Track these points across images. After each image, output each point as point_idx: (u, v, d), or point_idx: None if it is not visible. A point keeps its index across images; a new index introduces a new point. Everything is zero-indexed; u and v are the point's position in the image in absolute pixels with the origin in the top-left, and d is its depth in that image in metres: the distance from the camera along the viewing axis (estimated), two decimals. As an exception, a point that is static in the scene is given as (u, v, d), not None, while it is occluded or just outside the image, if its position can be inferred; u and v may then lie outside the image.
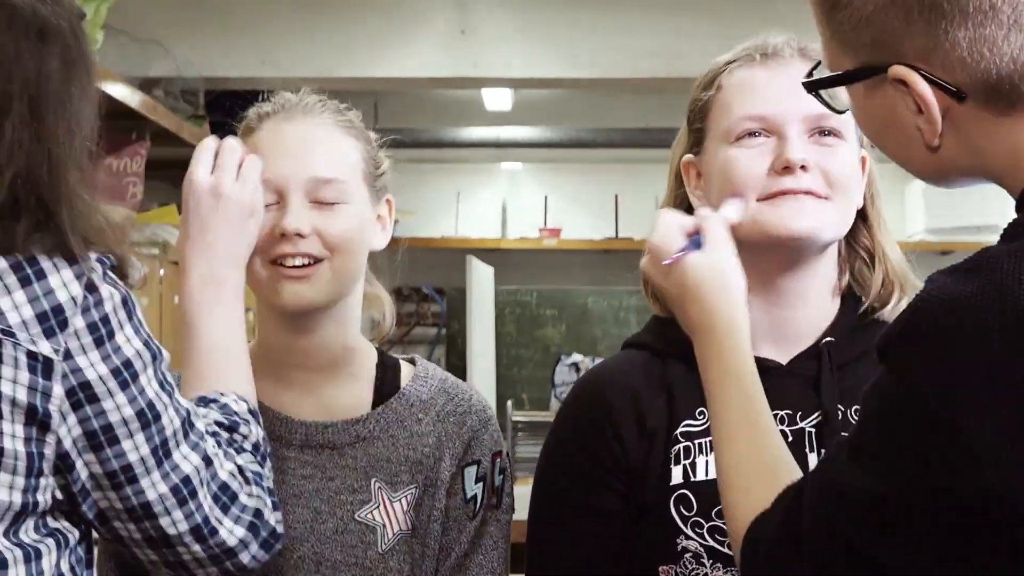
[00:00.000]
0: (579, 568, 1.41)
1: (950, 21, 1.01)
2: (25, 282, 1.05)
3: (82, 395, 1.06)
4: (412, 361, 1.56)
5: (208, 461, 1.14)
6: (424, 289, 6.24)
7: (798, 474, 1.13)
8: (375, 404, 1.49)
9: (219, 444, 1.17)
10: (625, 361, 1.49)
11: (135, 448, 1.09)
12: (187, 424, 1.14)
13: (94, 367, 1.07)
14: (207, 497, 1.14)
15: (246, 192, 1.37)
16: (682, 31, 4.44)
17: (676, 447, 1.39)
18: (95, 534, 1.18)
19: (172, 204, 4.14)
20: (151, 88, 3.92)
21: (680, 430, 1.40)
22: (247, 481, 1.18)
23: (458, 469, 1.47)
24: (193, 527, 1.13)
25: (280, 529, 1.20)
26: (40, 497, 1.07)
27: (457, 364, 5.82)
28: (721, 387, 1.21)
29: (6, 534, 1.06)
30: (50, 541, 1.09)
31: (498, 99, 5.76)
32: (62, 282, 1.06)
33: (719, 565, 1.34)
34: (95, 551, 1.19)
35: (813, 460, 1.37)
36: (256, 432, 1.24)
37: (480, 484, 1.48)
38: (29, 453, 1.05)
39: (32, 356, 1.04)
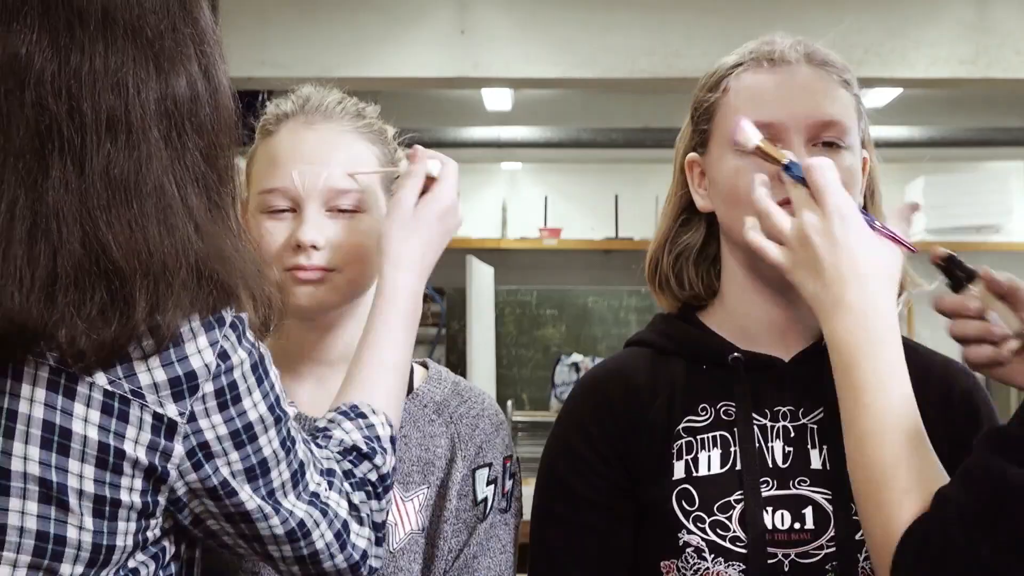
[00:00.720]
0: (582, 562, 1.42)
1: None
2: (162, 347, 1.05)
3: (200, 455, 1.07)
4: (424, 365, 1.56)
5: (320, 507, 1.16)
6: (424, 289, 6.24)
7: (947, 478, 1.13)
8: None
9: (331, 485, 1.18)
10: (628, 358, 1.50)
11: (250, 498, 1.10)
12: (299, 475, 1.14)
13: (215, 428, 1.07)
14: (323, 536, 1.15)
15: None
16: (682, 31, 4.44)
17: (678, 442, 1.40)
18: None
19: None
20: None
21: (682, 425, 1.40)
22: (360, 521, 1.19)
23: (469, 471, 1.47)
24: (298, 557, 1.15)
25: (377, 564, 1.21)
26: (151, 533, 1.09)
27: (457, 364, 5.83)
28: (883, 378, 1.20)
29: (117, 571, 1.08)
30: (152, 564, 1.11)
31: (498, 99, 5.76)
32: (197, 349, 1.06)
33: (720, 559, 1.34)
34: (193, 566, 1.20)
35: (815, 456, 1.37)
36: (390, 463, 1.24)
37: (491, 487, 1.48)
38: (144, 502, 1.07)
39: (157, 418, 1.04)
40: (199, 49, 1.12)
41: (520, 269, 6.56)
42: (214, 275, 1.06)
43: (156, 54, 1.08)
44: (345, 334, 1.48)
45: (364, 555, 1.18)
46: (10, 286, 0.99)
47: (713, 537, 1.35)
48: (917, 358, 1.46)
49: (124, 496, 1.05)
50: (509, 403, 5.47)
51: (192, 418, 1.06)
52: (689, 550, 1.35)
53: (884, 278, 1.25)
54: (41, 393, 1.02)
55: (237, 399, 1.08)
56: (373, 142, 1.48)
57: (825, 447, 1.37)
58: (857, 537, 1.34)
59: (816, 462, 1.37)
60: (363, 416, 1.25)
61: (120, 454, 1.04)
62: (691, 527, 1.36)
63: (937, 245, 1.28)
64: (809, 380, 1.40)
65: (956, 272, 1.28)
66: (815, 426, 1.39)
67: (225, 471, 1.09)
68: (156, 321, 1.02)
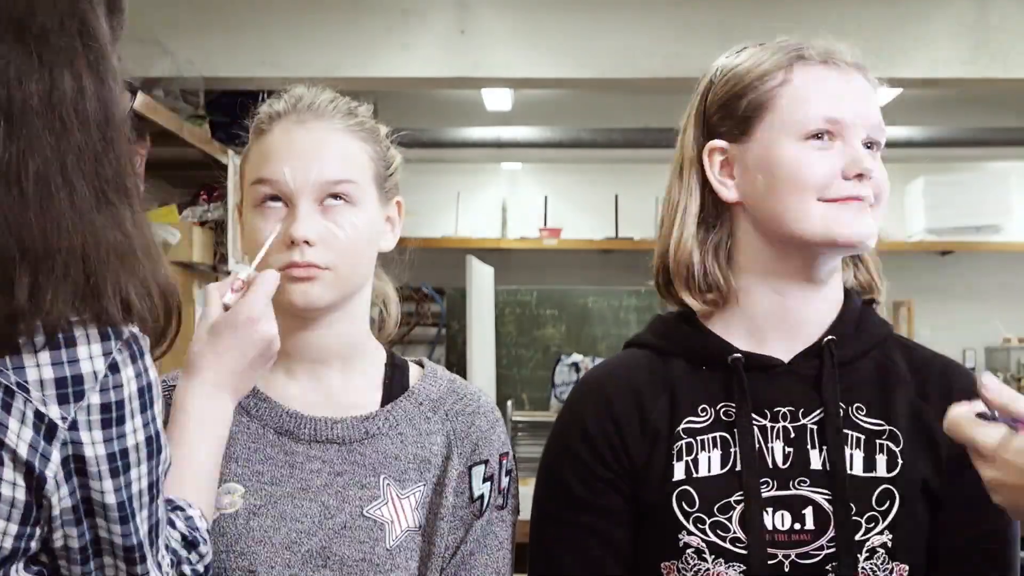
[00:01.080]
0: (582, 563, 1.42)
1: None
2: (53, 345, 1.04)
3: (73, 467, 1.06)
4: (420, 363, 1.56)
5: None
6: (424, 289, 6.24)
7: None
8: (384, 402, 1.50)
9: (172, 564, 1.18)
10: (627, 360, 1.50)
11: (108, 532, 1.09)
12: (154, 534, 1.13)
13: (94, 446, 1.06)
14: None
15: (276, 338, 1.37)
16: (682, 31, 4.44)
17: (678, 444, 1.40)
18: None
19: (172, 204, 4.15)
20: (151, 88, 3.92)
21: (682, 426, 1.40)
22: None
23: (466, 468, 1.48)
24: None
25: None
26: (33, 544, 1.08)
27: (457, 364, 5.82)
28: None
29: None
30: None
31: (498, 99, 5.76)
32: (89, 355, 1.05)
33: (721, 560, 1.34)
34: None
35: (815, 456, 1.37)
36: (209, 555, 1.25)
37: (487, 484, 1.48)
38: (27, 503, 1.05)
39: (39, 416, 1.04)
40: (87, 46, 1.11)
41: (520, 269, 6.56)
42: (94, 265, 1.06)
43: (40, 49, 1.08)
44: (338, 331, 1.49)
45: None
46: None
47: (713, 538, 1.35)
48: (916, 356, 1.47)
49: (5, 490, 1.04)
50: (509, 403, 5.47)
51: (74, 426, 1.05)
52: (689, 551, 1.35)
53: None
54: None
55: (121, 420, 1.07)
56: (365, 140, 1.49)
57: (825, 447, 1.37)
58: (857, 537, 1.34)
59: (816, 462, 1.37)
60: (180, 509, 1.24)
61: (0, 444, 1.03)
62: (691, 528, 1.36)
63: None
64: (809, 380, 1.41)
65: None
66: (815, 426, 1.39)
67: (97, 497, 1.07)
68: (41, 307, 1.02)
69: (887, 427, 1.39)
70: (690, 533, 1.36)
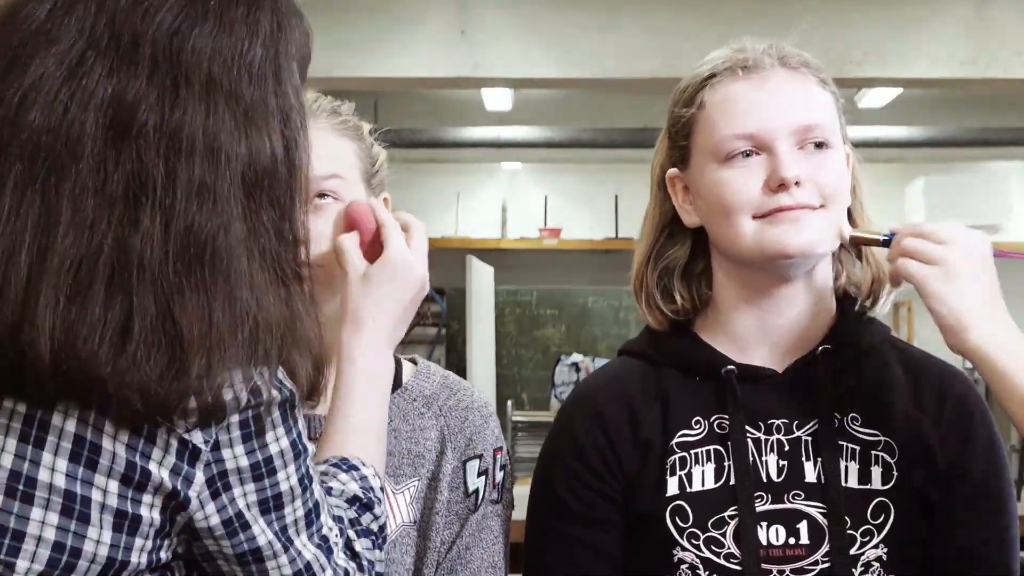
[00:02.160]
0: (573, 574, 1.41)
1: None
2: (204, 419, 1.06)
3: (219, 484, 1.08)
4: (413, 361, 1.57)
5: (328, 551, 1.16)
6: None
7: None
8: None
9: (341, 532, 1.19)
10: (620, 369, 1.49)
11: (262, 532, 1.11)
12: (313, 514, 1.15)
13: (236, 459, 1.08)
14: None
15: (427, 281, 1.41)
16: (682, 31, 4.44)
17: (672, 458, 1.38)
18: None
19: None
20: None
21: (676, 440, 1.39)
22: (361, 568, 1.19)
23: (460, 463, 1.48)
24: None
25: None
26: (163, 554, 1.10)
27: (457, 364, 5.83)
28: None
29: None
30: None
31: (498, 99, 5.77)
32: (231, 383, 1.06)
33: None
34: None
35: (810, 469, 1.36)
36: (384, 514, 1.26)
37: (482, 478, 1.48)
38: (163, 520, 1.08)
39: (183, 443, 1.05)
40: (285, 121, 1.13)
41: (520, 269, 6.56)
42: (267, 347, 1.08)
43: (247, 123, 1.09)
44: (336, 330, 1.49)
45: None
46: (84, 331, 1.00)
47: (707, 554, 1.34)
48: (913, 362, 1.45)
49: (144, 512, 1.06)
50: (509, 403, 5.47)
51: (216, 447, 1.07)
52: (684, 567, 1.34)
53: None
54: (75, 408, 1.03)
55: (261, 432, 1.09)
56: (351, 138, 1.49)
57: (819, 459, 1.36)
58: (852, 552, 1.33)
59: (810, 475, 1.36)
60: (355, 468, 1.26)
61: (146, 473, 1.05)
62: (685, 544, 1.35)
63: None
64: (803, 392, 1.39)
65: (861, 239, 1.39)
66: (809, 438, 1.37)
67: (241, 502, 1.09)
68: (209, 387, 1.04)
69: (882, 438, 1.38)
70: (684, 549, 1.34)
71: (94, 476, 1.04)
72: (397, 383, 1.52)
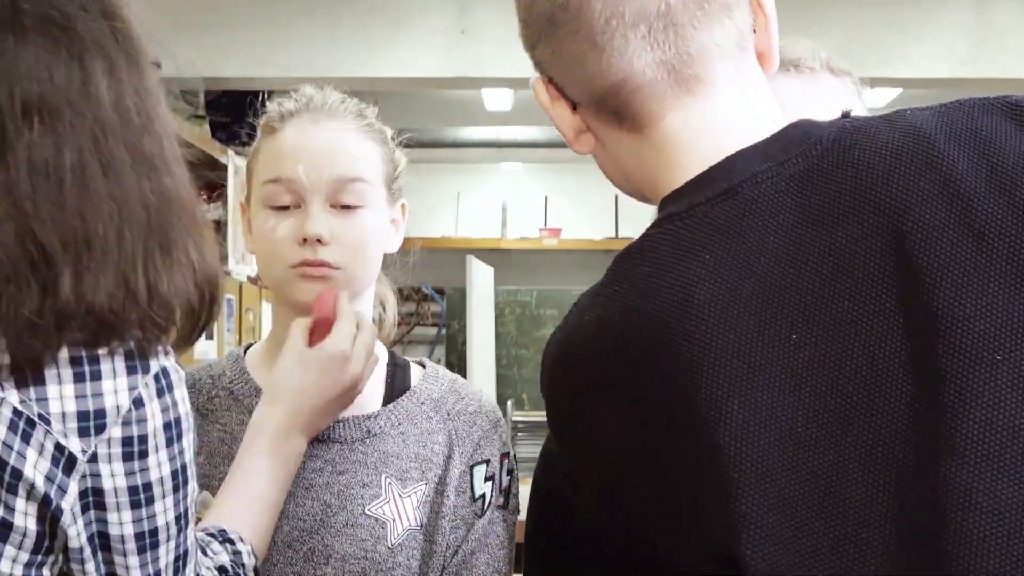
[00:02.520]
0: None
1: (561, 36, 1.08)
2: (79, 378, 1.03)
3: (91, 499, 1.05)
4: (421, 364, 1.57)
5: None
6: (424, 289, 6.25)
7: None
8: (386, 402, 1.50)
9: None
10: None
11: (126, 567, 1.08)
12: (181, 562, 1.12)
13: (113, 478, 1.05)
14: None
15: (362, 381, 1.42)
16: (682, 31, 4.44)
17: None
18: None
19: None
20: (151, 88, 3.92)
21: None
22: None
23: (467, 468, 1.48)
24: None
25: None
26: (46, 572, 1.06)
27: (457, 364, 5.83)
28: None
29: None
30: None
31: (498, 99, 5.77)
32: (114, 389, 1.04)
33: None
34: None
35: None
36: None
37: (489, 483, 1.49)
38: (39, 532, 1.05)
39: (59, 448, 1.03)
40: (113, 28, 1.11)
41: (520, 269, 6.56)
42: (130, 250, 1.05)
43: (67, 39, 1.08)
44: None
45: None
46: None
47: None
48: None
49: (18, 520, 1.03)
50: (509, 403, 5.47)
51: (93, 459, 1.04)
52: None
53: None
54: None
55: (144, 454, 1.06)
56: (376, 142, 1.50)
57: None
58: None
59: None
60: (231, 542, 1.24)
61: (17, 474, 1.02)
62: None
63: None
64: None
65: None
66: None
67: (114, 530, 1.06)
68: (84, 300, 1.01)
69: None
70: None
71: None
72: (405, 386, 1.52)
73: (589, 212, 6.59)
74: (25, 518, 1.03)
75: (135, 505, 1.06)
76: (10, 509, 1.03)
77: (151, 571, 1.08)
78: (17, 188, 1.02)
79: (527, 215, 6.61)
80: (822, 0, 4.40)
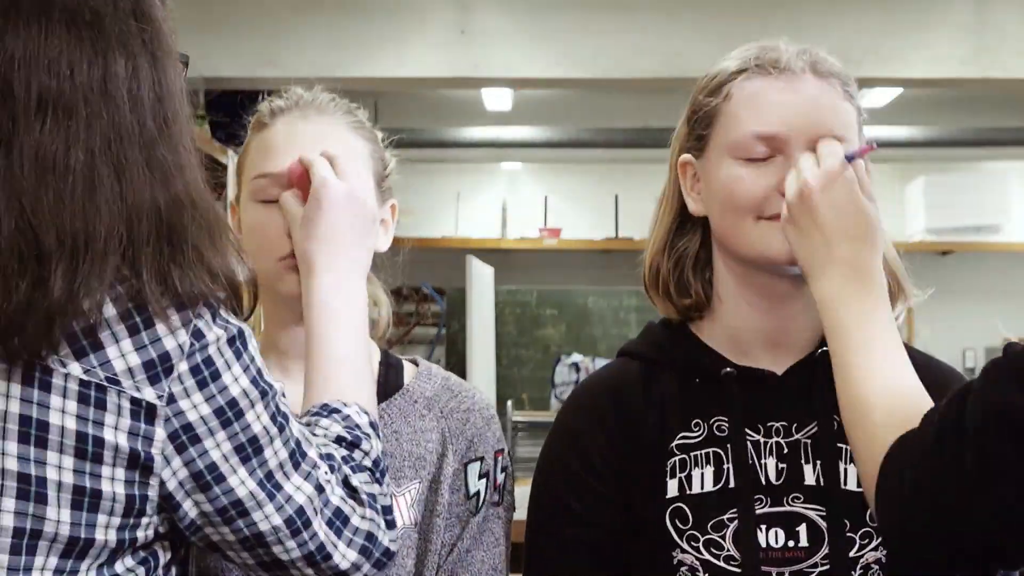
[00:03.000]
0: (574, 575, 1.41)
1: None
2: (133, 330, 1.04)
3: (185, 437, 1.06)
4: (415, 362, 1.57)
5: (320, 489, 1.13)
6: (424, 289, 6.25)
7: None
8: (379, 400, 1.50)
9: (333, 469, 1.16)
10: (619, 371, 1.48)
11: (242, 483, 1.09)
12: (298, 454, 1.12)
13: (196, 408, 1.06)
14: (321, 525, 1.13)
15: (372, 201, 1.39)
16: (681, 31, 4.44)
17: (671, 460, 1.38)
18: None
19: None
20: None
21: (676, 442, 1.39)
22: (361, 503, 1.17)
23: (461, 465, 1.48)
24: (306, 554, 1.12)
25: (394, 548, 1.19)
26: (140, 533, 1.08)
27: (457, 364, 5.82)
28: (877, 326, 1.24)
29: (99, 569, 1.06)
30: (141, 569, 1.10)
31: (498, 99, 5.77)
32: (169, 329, 1.05)
33: None
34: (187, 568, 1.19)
35: (809, 471, 1.36)
36: (376, 447, 1.23)
37: (483, 480, 1.48)
38: (129, 495, 1.06)
39: (135, 403, 1.04)
40: (141, 28, 1.11)
41: (520, 269, 6.56)
42: (137, 247, 1.05)
43: (93, 36, 1.07)
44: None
45: (371, 539, 1.16)
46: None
47: (707, 556, 1.34)
48: (913, 366, 1.45)
49: (106, 487, 1.04)
50: (509, 403, 5.47)
51: (171, 399, 1.05)
52: (683, 569, 1.34)
53: (874, 242, 1.28)
54: (16, 388, 1.02)
55: (216, 375, 1.07)
56: (366, 139, 1.50)
57: (819, 462, 1.36)
58: (852, 554, 1.32)
59: (810, 478, 1.36)
60: (336, 411, 1.23)
61: (99, 442, 1.03)
62: (685, 546, 1.34)
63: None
64: (802, 394, 1.38)
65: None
66: (808, 441, 1.37)
67: (215, 454, 1.07)
68: (76, 300, 1.01)
69: None
70: (684, 551, 1.34)
71: (46, 454, 1.02)
72: (398, 385, 1.52)
73: (589, 212, 6.59)
74: (112, 484, 1.04)
75: (226, 424, 1.07)
76: (97, 478, 1.04)
77: (262, 474, 1.09)
78: (19, 181, 1.02)
79: (527, 215, 6.61)
80: (822, 0, 4.39)
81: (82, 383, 1.03)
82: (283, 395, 1.15)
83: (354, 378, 1.29)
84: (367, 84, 4.57)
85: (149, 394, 1.04)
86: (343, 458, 1.18)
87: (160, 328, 1.05)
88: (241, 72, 4.41)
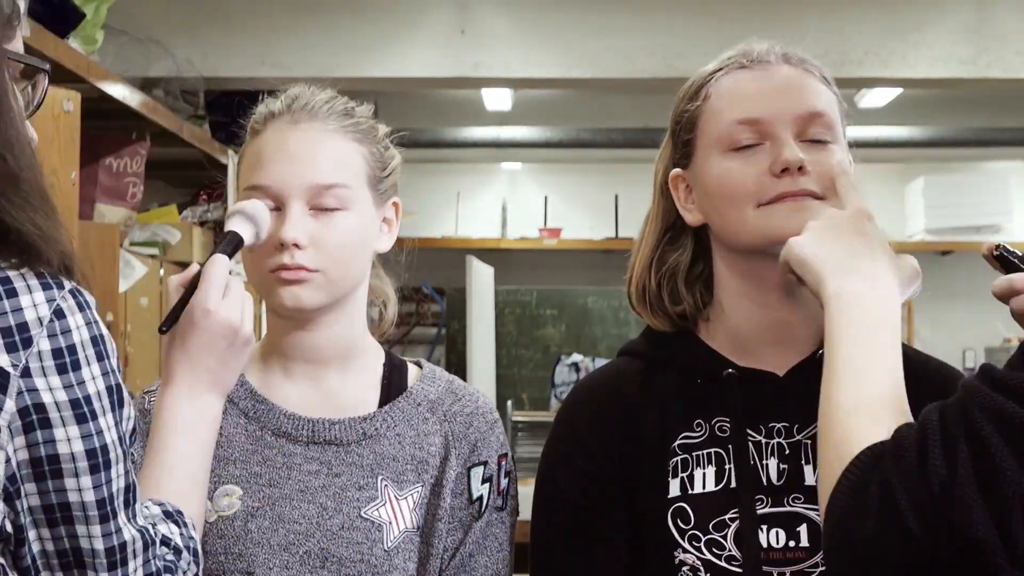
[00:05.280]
0: (580, 571, 1.41)
1: None
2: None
3: (35, 417, 1.01)
4: (419, 364, 1.56)
5: (147, 543, 1.09)
6: (424, 289, 6.24)
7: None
8: (382, 403, 1.50)
9: (159, 537, 1.12)
10: (620, 369, 1.48)
11: (78, 489, 1.03)
12: (131, 493, 1.08)
13: (52, 392, 1.02)
14: (138, 572, 1.08)
15: (246, 320, 1.34)
16: (681, 31, 4.44)
17: (674, 460, 1.38)
18: None
19: (172, 204, 4.15)
20: (151, 88, 3.92)
21: (678, 442, 1.39)
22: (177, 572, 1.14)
23: (464, 469, 1.47)
24: None
25: None
26: None
27: (457, 364, 5.82)
28: (877, 340, 1.20)
29: None
30: None
31: (498, 99, 5.76)
32: (32, 303, 1.03)
33: None
34: None
35: (810, 472, 1.36)
36: (192, 570, 1.18)
37: (486, 485, 1.48)
38: None
39: None
40: None
41: (520, 269, 6.56)
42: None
43: None
44: (334, 332, 1.49)
45: None
46: None
47: (708, 556, 1.34)
48: (914, 365, 1.44)
49: None
50: (509, 403, 5.47)
51: (27, 373, 1.01)
52: (684, 569, 1.34)
53: (900, 280, 1.26)
54: None
55: (77, 365, 1.03)
56: (360, 141, 1.48)
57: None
58: None
59: (810, 479, 1.36)
60: (173, 519, 1.19)
61: None
62: (687, 546, 1.35)
63: (990, 243, 1.26)
64: (804, 394, 1.37)
65: (1009, 260, 1.26)
66: (809, 442, 1.37)
67: (62, 447, 1.02)
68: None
69: None
70: (685, 551, 1.34)
71: None
72: (402, 387, 1.52)
73: (589, 212, 6.58)
74: None
75: (80, 419, 1.02)
76: None
77: (105, 493, 1.04)
78: None
79: (527, 215, 6.61)
80: (822, 0, 4.39)
81: None
82: (132, 429, 1.10)
83: (194, 491, 1.27)
84: (367, 84, 4.57)
85: (3, 360, 1.00)
86: (162, 539, 1.14)
87: (23, 299, 1.02)
88: (241, 72, 4.41)
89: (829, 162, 1.36)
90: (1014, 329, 6.29)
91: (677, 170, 1.44)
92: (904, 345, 1.48)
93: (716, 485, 1.36)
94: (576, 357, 6.12)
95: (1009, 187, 6.36)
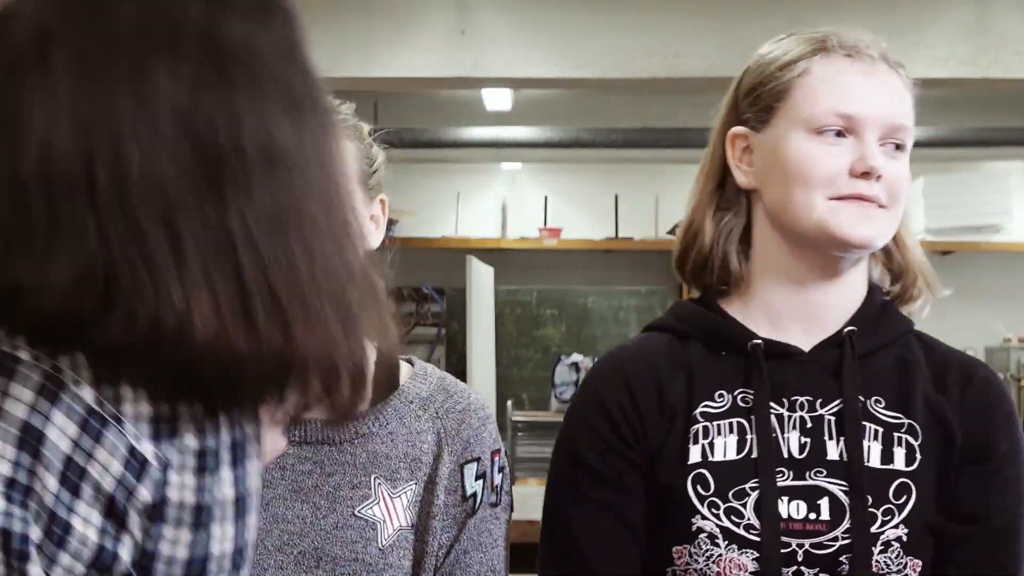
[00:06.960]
0: (599, 539, 1.41)
1: None
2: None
3: (156, 511, 0.97)
4: (410, 362, 1.56)
5: None
6: (424, 289, 6.24)
7: None
8: (374, 401, 1.50)
9: None
10: (647, 341, 1.50)
11: None
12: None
13: (182, 491, 0.98)
14: None
15: None
16: (682, 31, 4.44)
17: (695, 427, 1.40)
18: None
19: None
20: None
21: (699, 410, 1.40)
22: None
23: (457, 466, 1.48)
24: None
25: None
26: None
27: (457, 364, 5.82)
28: None
29: None
30: None
31: (498, 99, 5.76)
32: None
33: (734, 546, 1.34)
34: None
35: (832, 447, 1.37)
36: None
37: (480, 481, 1.48)
38: (99, 545, 0.96)
39: (131, 452, 0.96)
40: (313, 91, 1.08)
41: (520, 269, 6.56)
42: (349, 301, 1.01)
43: (284, 96, 1.04)
44: None
45: None
46: (208, 311, 0.93)
47: (727, 523, 1.35)
48: (936, 351, 1.47)
49: (77, 524, 0.95)
50: (509, 403, 5.47)
51: (167, 467, 0.97)
52: (702, 536, 1.35)
53: None
54: (29, 395, 0.95)
55: (217, 468, 0.99)
56: (348, 139, 1.49)
57: (843, 438, 1.37)
58: (873, 529, 1.34)
59: (833, 453, 1.37)
60: None
61: (82, 473, 0.95)
62: (705, 512, 1.35)
63: None
64: (828, 371, 1.40)
65: None
66: (832, 417, 1.39)
67: (165, 549, 0.97)
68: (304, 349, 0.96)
69: (906, 420, 1.39)
70: (704, 518, 1.35)
71: (37, 467, 0.94)
72: (393, 385, 1.52)
73: (589, 212, 6.58)
74: (85, 525, 0.96)
75: (195, 527, 0.98)
76: (70, 511, 0.95)
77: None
78: (254, 231, 0.97)
79: (527, 215, 6.61)
80: (821, 1, 4.39)
81: (89, 411, 0.96)
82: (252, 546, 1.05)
83: None
84: (367, 84, 4.57)
85: (147, 449, 0.96)
86: None
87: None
88: (241, 72, 4.41)
89: (900, 174, 1.39)
90: (1014, 329, 6.30)
91: (742, 128, 1.45)
92: (927, 336, 1.50)
93: (737, 454, 1.38)
94: (576, 357, 6.12)
95: (1009, 187, 6.36)
